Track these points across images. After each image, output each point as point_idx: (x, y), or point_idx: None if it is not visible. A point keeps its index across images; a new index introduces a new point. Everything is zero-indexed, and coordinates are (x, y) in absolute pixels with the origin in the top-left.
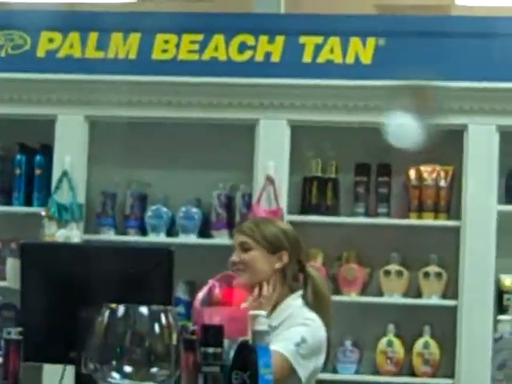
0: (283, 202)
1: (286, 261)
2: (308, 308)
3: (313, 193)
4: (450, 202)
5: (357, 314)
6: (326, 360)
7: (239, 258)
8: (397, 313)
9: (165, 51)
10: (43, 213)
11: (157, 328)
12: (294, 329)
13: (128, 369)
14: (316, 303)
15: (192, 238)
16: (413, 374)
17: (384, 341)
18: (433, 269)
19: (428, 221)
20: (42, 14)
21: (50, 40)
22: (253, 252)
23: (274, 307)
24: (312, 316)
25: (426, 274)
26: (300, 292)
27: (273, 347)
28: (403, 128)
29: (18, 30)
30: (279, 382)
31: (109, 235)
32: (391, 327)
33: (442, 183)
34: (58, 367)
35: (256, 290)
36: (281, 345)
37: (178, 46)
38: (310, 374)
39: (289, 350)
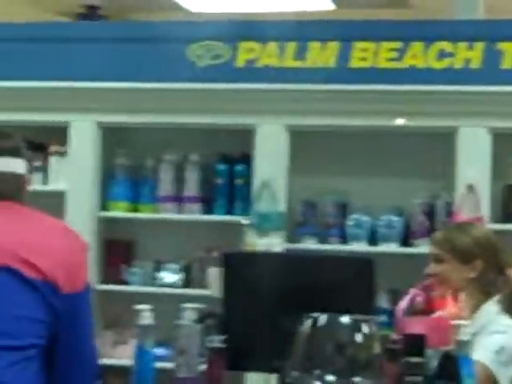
0: (484, 210)
1: (480, 269)
2: (505, 314)
3: None
4: None
5: None
6: None
7: (433, 270)
8: None
9: (363, 59)
10: (245, 222)
11: (359, 337)
12: (491, 336)
13: (331, 378)
14: None
15: (393, 247)
16: None
17: None
18: None
19: None
20: (239, 24)
21: (249, 50)
22: (445, 264)
23: (471, 314)
24: (509, 322)
25: None
26: (496, 298)
27: (473, 357)
28: None
29: (217, 40)
30: None
31: (310, 244)
32: None
33: None
34: (261, 376)
35: (453, 299)
36: (480, 353)
37: (376, 53)
38: (510, 382)
39: (489, 359)
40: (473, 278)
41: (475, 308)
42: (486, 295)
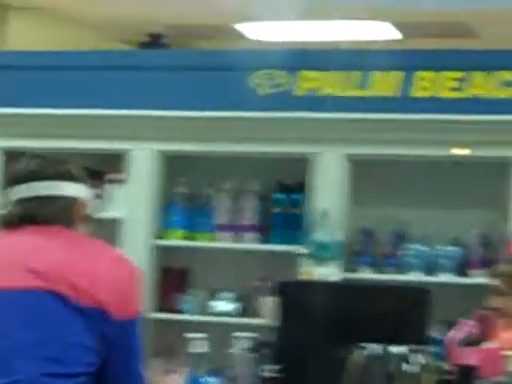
0: None
1: None
2: None
3: None
4: None
5: None
6: None
7: (494, 303)
8: None
9: (425, 89)
10: (302, 251)
11: (413, 368)
12: None
13: None
14: None
15: (450, 277)
16: None
17: None
18: None
19: None
20: (301, 53)
21: (310, 79)
22: (507, 297)
23: None
24: None
25: None
26: None
27: None
28: None
29: (277, 69)
30: None
31: (367, 273)
32: None
33: None
34: None
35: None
36: None
37: (437, 83)
38: None
39: None
40: None
41: None
42: None
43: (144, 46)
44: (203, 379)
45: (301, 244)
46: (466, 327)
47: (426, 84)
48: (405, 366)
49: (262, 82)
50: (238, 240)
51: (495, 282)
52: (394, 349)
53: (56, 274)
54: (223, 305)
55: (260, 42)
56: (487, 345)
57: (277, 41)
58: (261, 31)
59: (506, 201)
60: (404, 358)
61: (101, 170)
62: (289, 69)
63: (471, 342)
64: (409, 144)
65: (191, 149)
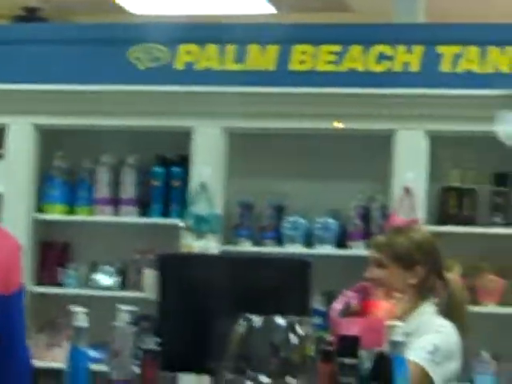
0: (421, 213)
1: (421, 276)
2: (441, 316)
3: (451, 203)
4: None
5: (495, 325)
6: (462, 370)
7: (373, 274)
8: None
9: (302, 62)
10: (181, 224)
11: (293, 339)
12: (426, 336)
13: (264, 379)
14: (450, 311)
15: (329, 249)
16: None
17: None
18: None
19: None
20: (179, 27)
21: (188, 52)
22: (386, 269)
23: (407, 315)
24: (444, 323)
25: None
26: (433, 300)
27: (407, 357)
28: None
29: (156, 43)
30: None
31: (246, 246)
32: None
33: None
34: (195, 377)
35: (386, 300)
36: (415, 354)
37: (315, 56)
38: (446, 381)
39: (423, 359)
40: (413, 284)
41: (411, 310)
42: (424, 298)
43: (19, 19)
44: (85, 353)
45: (180, 217)
46: (347, 298)
47: (304, 57)
48: (287, 338)
49: (141, 56)
50: (118, 214)
51: (375, 253)
52: (276, 320)
53: None
54: (104, 278)
55: (140, 16)
56: (368, 315)
57: (157, 15)
58: (141, 5)
59: (387, 173)
60: (286, 330)
61: None
62: (168, 43)
63: (352, 312)
64: (286, 117)
65: (68, 123)
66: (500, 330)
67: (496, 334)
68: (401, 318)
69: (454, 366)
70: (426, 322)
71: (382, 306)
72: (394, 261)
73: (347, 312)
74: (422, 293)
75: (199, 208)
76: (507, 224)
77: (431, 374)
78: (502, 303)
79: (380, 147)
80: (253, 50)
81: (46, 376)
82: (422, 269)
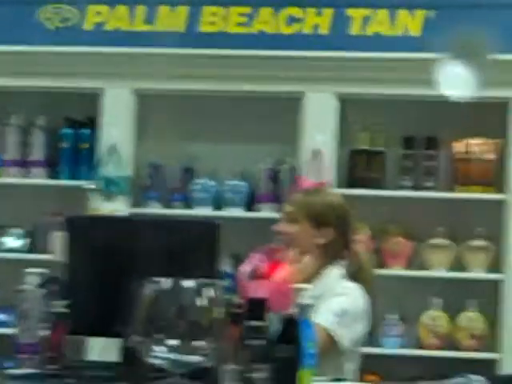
0: (330, 176)
1: (331, 237)
2: (348, 278)
3: (359, 166)
4: (497, 175)
5: (401, 287)
6: (369, 332)
7: (284, 228)
8: (442, 286)
9: (212, 24)
10: (90, 186)
11: (202, 301)
12: (333, 299)
13: (172, 342)
14: (357, 274)
15: (238, 212)
16: (457, 348)
17: (428, 315)
18: (479, 242)
19: (474, 194)
20: None
21: (98, 13)
22: (298, 225)
23: (314, 278)
24: (351, 285)
25: (472, 248)
26: (341, 263)
27: (315, 320)
28: (455, 75)
29: (66, 3)
30: (323, 354)
31: (155, 208)
32: (436, 301)
33: (489, 156)
34: (104, 340)
35: (296, 262)
36: (322, 317)
37: (225, 18)
38: (353, 343)
39: (330, 322)
40: (321, 245)
41: (318, 272)
42: (331, 261)
43: None
44: None
45: (89, 179)
46: (255, 261)
47: (214, 19)
48: (195, 300)
49: (50, 17)
50: (27, 175)
51: (289, 208)
52: (185, 283)
53: None
54: (12, 241)
55: None
56: (275, 278)
57: None
58: None
59: (296, 136)
60: (194, 292)
61: None
62: (77, 3)
63: (259, 275)
64: (196, 79)
65: None
66: (407, 292)
67: (403, 296)
68: (308, 280)
69: (360, 328)
70: (333, 284)
71: (289, 269)
72: (306, 217)
73: (255, 275)
74: (329, 255)
75: (108, 170)
76: (415, 187)
77: (338, 336)
78: (409, 266)
79: (289, 109)
80: (163, 11)
81: None
82: (332, 230)
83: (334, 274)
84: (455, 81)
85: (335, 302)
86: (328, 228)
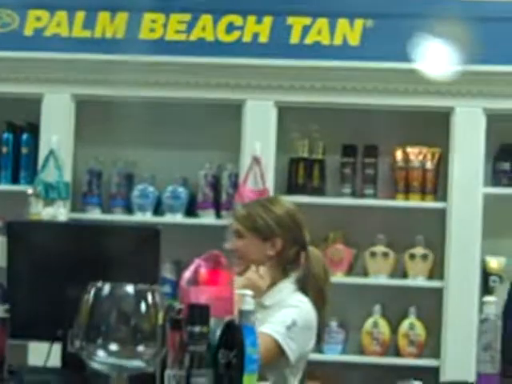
0: (269, 183)
1: (280, 247)
2: (301, 292)
3: (299, 173)
4: (436, 183)
5: (343, 294)
6: (316, 342)
7: (233, 245)
8: (383, 294)
9: (152, 30)
10: (30, 191)
11: (143, 307)
12: (285, 310)
13: (114, 347)
14: (310, 284)
15: (178, 218)
16: (398, 354)
17: (370, 321)
18: (419, 250)
19: (414, 202)
20: None
21: (38, 18)
22: (245, 240)
23: (268, 288)
24: (302, 299)
25: (412, 256)
26: (294, 277)
27: (263, 329)
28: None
29: (6, 8)
30: (267, 364)
31: (95, 214)
32: (377, 308)
33: (429, 165)
34: (45, 345)
35: (248, 272)
36: (271, 326)
37: (165, 25)
38: (300, 356)
39: (279, 333)
40: (271, 256)
41: (274, 282)
42: (284, 272)
43: None
44: None
45: (29, 184)
46: (196, 267)
47: (154, 26)
48: (136, 306)
49: None
50: None
51: (234, 224)
52: (125, 288)
53: None
54: None
55: None
56: (217, 284)
57: None
58: None
59: (236, 143)
60: (135, 298)
61: None
62: (17, 8)
63: (201, 281)
64: (135, 85)
65: None
66: (347, 299)
67: (344, 303)
68: (262, 290)
69: (308, 342)
70: (284, 297)
71: (229, 275)
72: (251, 232)
73: (196, 280)
74: (281, 264)
75: (48, 175)
76: (355, 194)
77: (285, 348)
78: (350, 273)
79: (230, 116)
80: (102, 17)
81: None
82: (280, 241)
83: (287, 287)
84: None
85: (286, 314)
86: (276, 239)
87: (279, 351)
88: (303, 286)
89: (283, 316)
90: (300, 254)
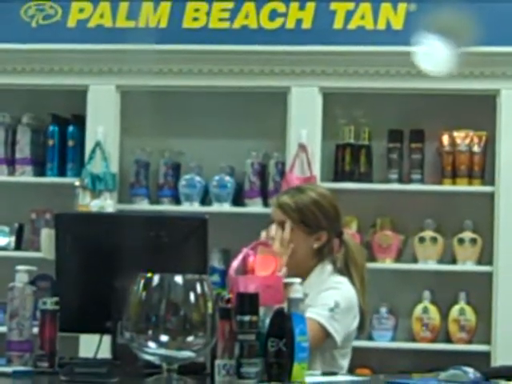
0: (316, 170)
1: (325, 241)
2: (338, 273)
3: (346, 160)
4: (483, 167)
5: (392, 281)
6: (360, 326)
7: (276, 235)
8: (432, 279)
9: (195, 19)
10: (77, 183)
11: (192, 297)
12: (325, 293)
13: (164, 338)
14: (348, 270)
15: (225, 207)
16: (449, 340)
17: (419, 307)
18: (467, 235)
19: (462, 187)
20: None
21: (81, 10)
22: (290, 232)
23: (305, 274)
24: (341, 279)
25: (461, 240)
26: (331, 258)
27: (307, 314)
28: (434, 52)
29: (49, 0)
30: (315, 348)
31: (142, 205)
32: (426, 294)
33: (476, 148)
34: (95, 337)
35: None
36: (315, 310)
37: (208, 14)
38: (346, 337)
39: (323, 316)
40: (316, 248)
41: (310, 268)
42: (323, 257)
43: None
44: None
45: (76, 176)
46: (244, 256)
47: (197, 15)
48: (185, 296)
49: (34, 14)
50: (14, 173)
51: (279, 214)
52: (174, 278)
53: None
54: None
55: None
56: (266, 273)
57: None
58: None
59: (282, 130)
60: (184, 288)
61: None
62: (60, 0)
63: (249, 270)
64: (181, 74)
65: None
66: (397, 285)
67: (393, 289)
68: (300, 276)
69: (352, 321)
70: (323, 280)
71: (278, 263)
72: (298, 225)
73: (244, 269)
74: (322, 253)
75: (94, 167)
76: (402, 180)
77: (330, 330)
78: (398, 259)
79: (275, 104)
80: (146, 7)
81: None
82: (325, 234)
83: (325, 270)
84: (434, 56)
85: (327, 297)
86: (321, 232)
87: (325, 334)
88: (343, 270)
89: (325, 299)
90: (337, 239)
